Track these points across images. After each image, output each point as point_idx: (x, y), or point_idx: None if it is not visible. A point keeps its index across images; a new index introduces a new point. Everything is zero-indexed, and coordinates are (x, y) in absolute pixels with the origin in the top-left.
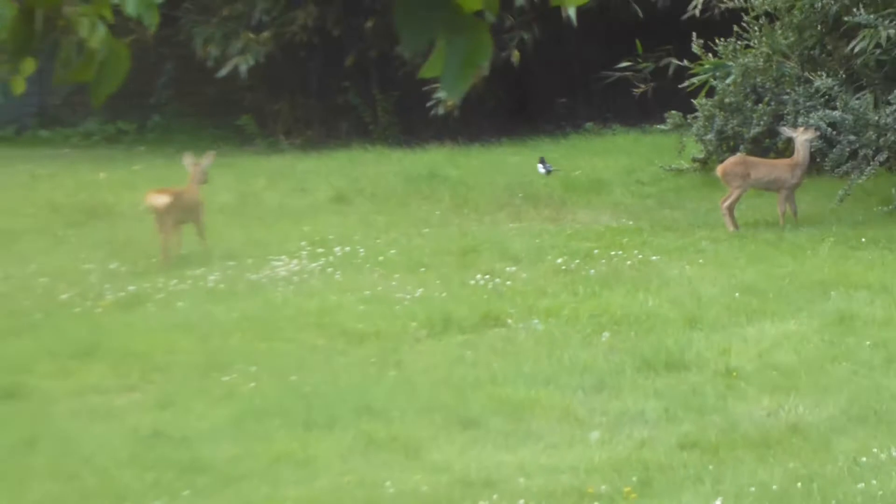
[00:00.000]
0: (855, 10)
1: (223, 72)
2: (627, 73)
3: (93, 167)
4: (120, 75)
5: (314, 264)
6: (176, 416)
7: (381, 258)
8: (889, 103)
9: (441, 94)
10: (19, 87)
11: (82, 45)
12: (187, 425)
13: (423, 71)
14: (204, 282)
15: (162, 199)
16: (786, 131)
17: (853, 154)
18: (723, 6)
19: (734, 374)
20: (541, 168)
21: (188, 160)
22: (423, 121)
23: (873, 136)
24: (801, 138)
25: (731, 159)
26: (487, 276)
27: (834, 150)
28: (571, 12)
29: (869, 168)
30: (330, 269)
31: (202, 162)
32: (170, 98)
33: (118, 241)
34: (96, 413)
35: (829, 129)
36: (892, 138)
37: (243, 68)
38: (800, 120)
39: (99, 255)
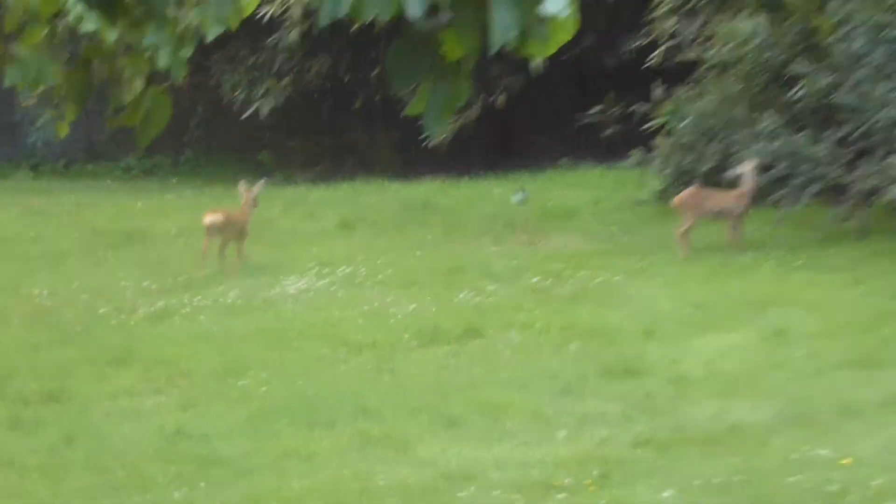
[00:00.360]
0: (796, 59)
1: (247, 113)
2: (598, 118)
3: (131, 197)
4: (163, 121)
5: (321, 282)
6: (196, 417)
7: (379, 277)
8: (823, 141)
9: (426, 129)
10: (63, 130)
11: (131, 94)
12: (206, 424)
13: (408, 109)
14: (224, 298)
15: (215, 218)
16: (734, 169)
17: (790, 185)
18: (680, 58)
19: (684, 380)
20: (517, 196)
21: (242, 187)
22: (420, 156)
23: (808, 168)
24: (747, 170)
25: (687, 191)
26: (471, 293)
27: (775, 182)
28: (537, 63)
29: (804, 197)
30: (334, 287)
31: (254, 189)
32: (200, 136)
33: (151, 262)
34: (127, 413)
35: (772, 164)
36: (825, 172)
37: (265, 109)
38: (746, 157)
39: (134, 274)
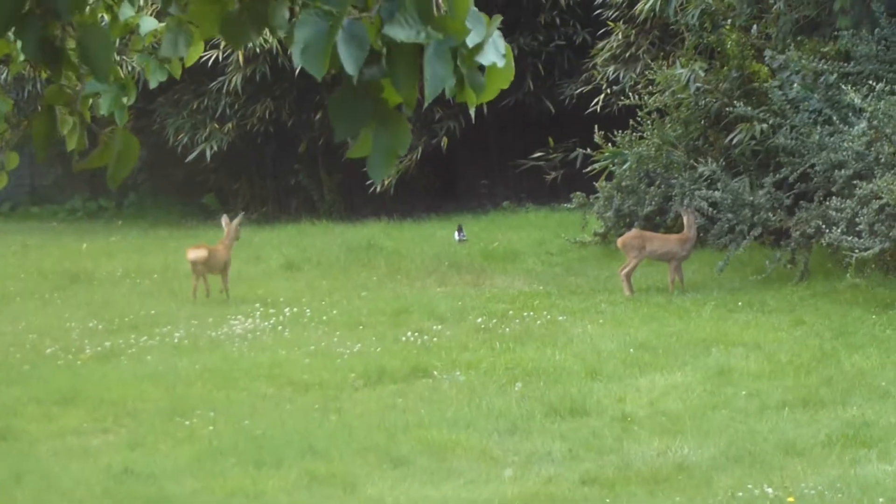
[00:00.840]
0: (734, 103)
1: (191, 157)
2: (541, 162)
3: (76, 238)
4: (131, 162)
5: (266, 323)
6: (144, 456)
7: (324, 318)
8: (762, 186)
9: (370, 174)
10: (3, 181)
11: (98, 137)
12: (153, 463)
13: (350, 152)
14: (170, 338)
15: (198, 253)
16: (678, 211)
17: (731, 230)
18: (620, 103)
19: (629, 419)
20: (456, 235)
21: (225, 220)
22: (363, 199)
23: (749, 214)
24: (688, 214)
25: (630, 233)
26: (417, 334)
27: (715, 226)
28: (471, 109)
29: (745, 242)
30: (280, 328)
31: (235, 222)
32: (144, 179)
33: (97, 303)
34: (75, 452)
35: (711, 209)
36: (765, 216)
37: (208, 153)
38: (686, 201)
39: (80, 314)
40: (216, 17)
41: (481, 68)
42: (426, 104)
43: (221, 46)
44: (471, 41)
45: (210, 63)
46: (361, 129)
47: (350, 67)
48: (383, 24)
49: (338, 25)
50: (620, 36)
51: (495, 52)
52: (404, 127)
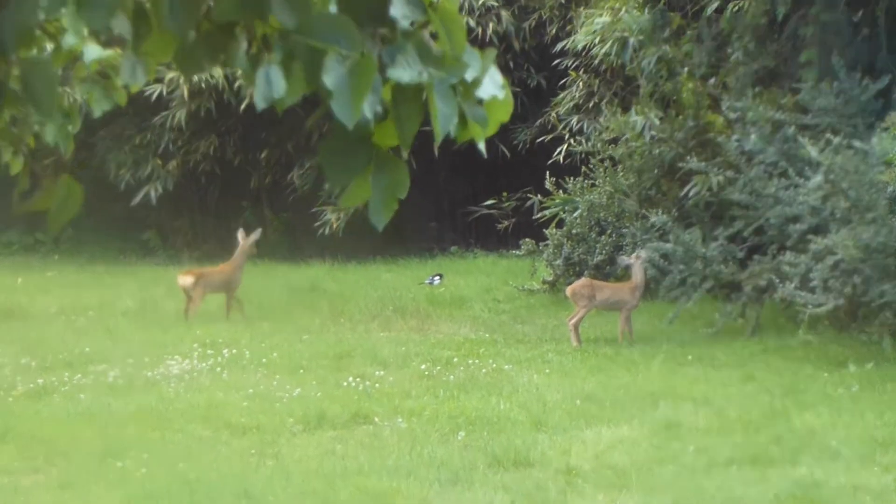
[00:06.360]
0: (688, 157)
1: (137, 199)
2: (492, 210)
3: (11, 273)
4: (75, 208)
5: (204, 364)
6: (74, 497)
7: (264, 360)
8: (715, 238)
9: (372, 220)
10: None
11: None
12: None
13: (343, 201)
14: (105, 377)
15: (186, 280)
16: (623, 260)
17: (682, 282)
18: (577, 150)
19: (574, 472)
20: (431, 280)
21: (241, 235)
22: (308, 240)
23: (700, 267)
24: (637, 263)
25: (580, 282)
26: (359, 379)
27: (666, 277)
28: (480, 145)
29: (696, 294)
30: (218, 369)
31: (251, 238)
32: (83, 213)
33: (31, 339)
34: (4, 491)
35: (662, 260)
36: (717, 269)
37: (153, 195)
38: (637, 251)
39: (12, 350)
40: (172, 46)
41: (480, 103)
42: (438, 143)
43: (166, 80)
44: (469, 76)
45: (154, 97)
46: (356, 177)
47: (368, 112)
48: (385, 69)
49: (372, 69)
50: (582, 85)
51: (494, 85)
52: (403, 170)
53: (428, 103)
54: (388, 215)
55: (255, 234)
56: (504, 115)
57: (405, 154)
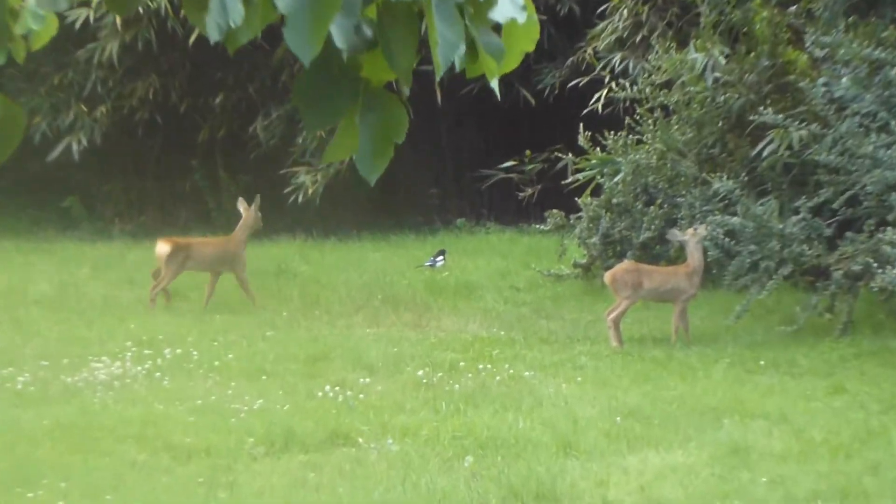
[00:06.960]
0: (762, 107)
1: (54, 154)
2: (511, 175)
3: None
4: (17, 136)
5: (139, 368)
6: None
7: (216, 363)
8: (796, 211)
9: (361, 171)
10: None
11: None
12: None
13: (326, 156)
14: (12, 383)
15: (163, 248)
16: (677, 236)
17: (753, 266)
18: (613, 96)
19: None
20: (431, 262)
21: (242, 204)
22: (275, 209)
23: (776, 247)
24: (694, 242)
25: (622, 266)
26: (338, 388)
27: (733, 262)
28: (494, 85)
29: (771, 282)
30: (157, 374)
31: (253, 207)
32: None
33: None
34: None
35: (728, 238)
36: (798, 250)
37: (75, 149)
38: (695, 226)
39: None
40: None
41: (496, 29)
42: (438, 77)
43: (93, 3)
44: None
45: (78, 25)
46: (340, 119)
47: (340, 40)
48: None
49: None
50: (626, 13)
51: (513, 6)
52: (399, 108)
53: (427, 27)
54: (382, 165)
55: (256, 202)
56: (527, 44)
57: (406, 90)
